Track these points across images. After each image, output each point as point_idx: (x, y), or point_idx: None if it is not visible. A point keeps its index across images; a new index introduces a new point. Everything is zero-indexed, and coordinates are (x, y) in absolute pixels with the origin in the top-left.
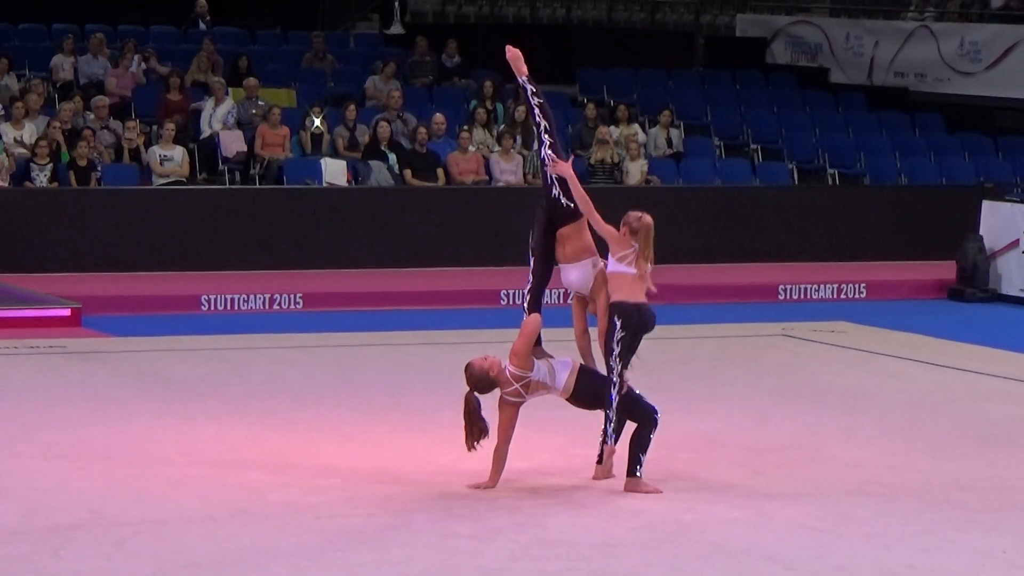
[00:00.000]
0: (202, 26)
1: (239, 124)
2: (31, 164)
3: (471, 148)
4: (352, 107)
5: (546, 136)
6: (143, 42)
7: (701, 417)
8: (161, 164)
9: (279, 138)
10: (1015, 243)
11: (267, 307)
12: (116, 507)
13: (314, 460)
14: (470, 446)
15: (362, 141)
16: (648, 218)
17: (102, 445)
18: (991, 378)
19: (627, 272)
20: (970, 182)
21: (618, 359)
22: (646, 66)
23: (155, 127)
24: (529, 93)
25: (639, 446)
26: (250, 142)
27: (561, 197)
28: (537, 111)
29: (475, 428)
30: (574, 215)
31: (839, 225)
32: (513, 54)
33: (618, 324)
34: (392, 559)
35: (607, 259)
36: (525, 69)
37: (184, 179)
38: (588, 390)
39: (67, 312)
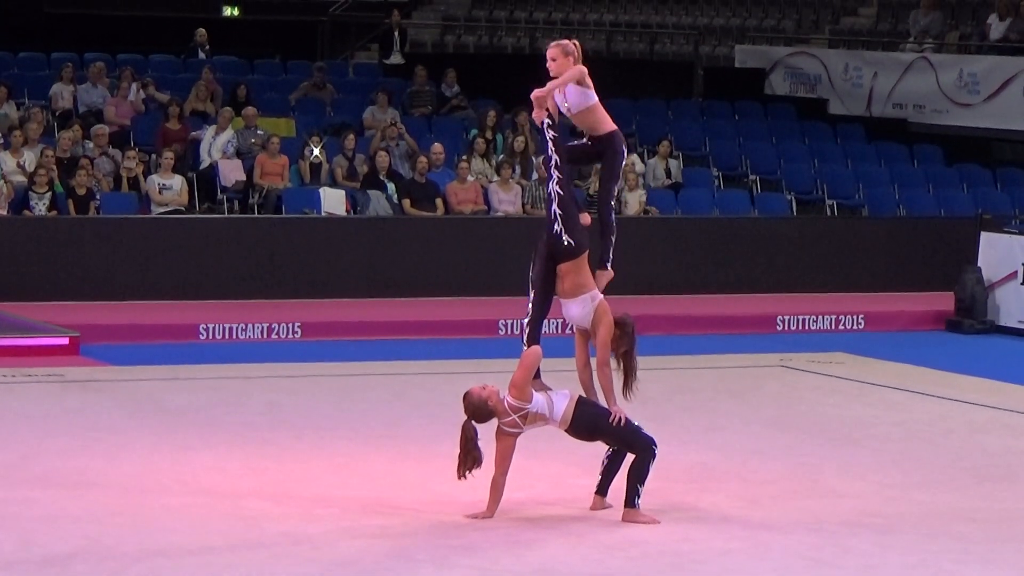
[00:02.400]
0: (201, 55)
1: (238, 153)
2: (30, 192)
3: (470, 178)
4: (351, 136)
5: (555, 171)
6: (142, 71)
7: (699, 448)
8: (160, 193)
9: (278, 167)
10: (1013, 275)
11: (265, 336)
12: (113, 536)
13: (312, 490)
14: (461, 475)
15: (361, 170)
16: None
17: (99, 474)
18: (989, 410)
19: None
20: (968, 213)
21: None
22: (645, 96)
23: (154, 156)
24: (545, 126)
25: (637, 477)
26: (249, 171)
27: (563, 234)
28: (550, 144)
29: (469, 457)
30: (574, 252)
31: (837, 256)
32: (539, 96)
33: (624, 152)
34: None
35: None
36: (548, 110)
37: (183, 208)
38: (587, 421)
39: (65, 341)
